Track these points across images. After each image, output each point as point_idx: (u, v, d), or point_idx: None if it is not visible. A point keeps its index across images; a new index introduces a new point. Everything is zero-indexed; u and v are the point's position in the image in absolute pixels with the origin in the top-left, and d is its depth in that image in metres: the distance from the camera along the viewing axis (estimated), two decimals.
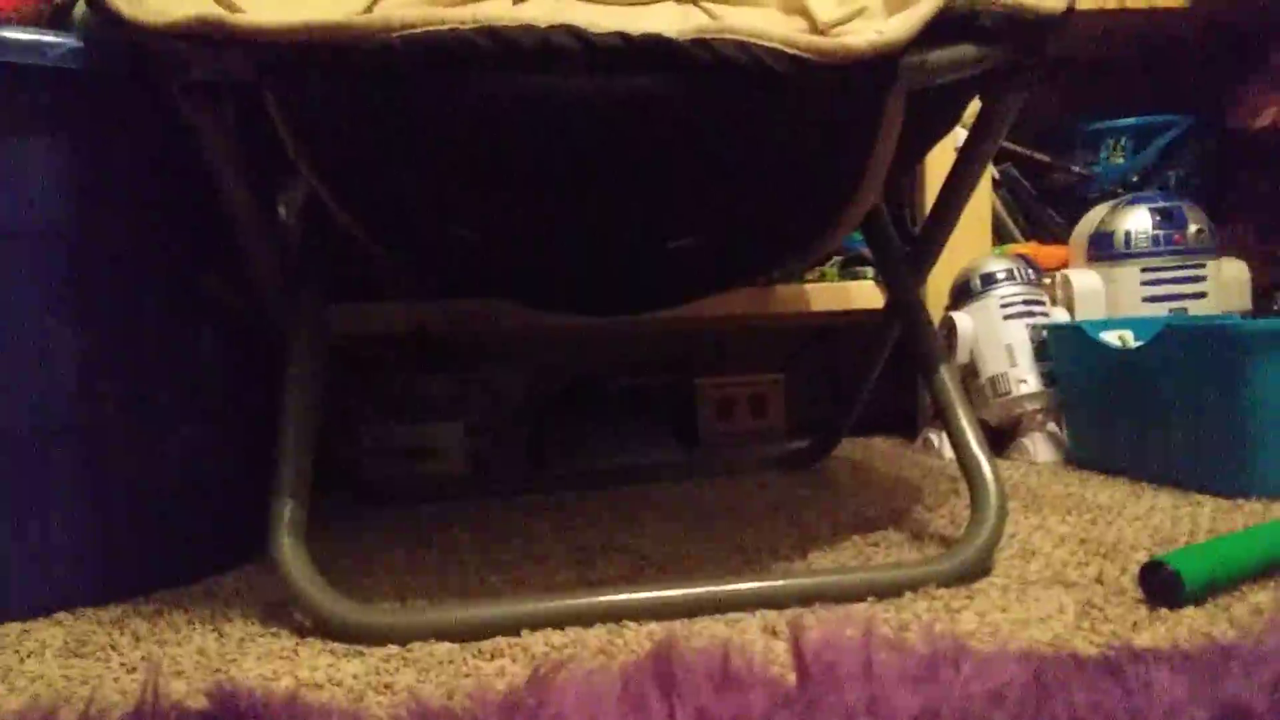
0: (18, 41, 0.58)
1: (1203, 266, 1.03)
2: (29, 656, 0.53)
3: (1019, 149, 1.26)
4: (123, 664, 0.52)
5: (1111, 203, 1.08)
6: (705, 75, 0.47)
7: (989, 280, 1.03)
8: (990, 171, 1.18)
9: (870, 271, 1.19)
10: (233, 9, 0.49)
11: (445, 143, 0.54)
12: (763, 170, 0.59)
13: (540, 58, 0.44)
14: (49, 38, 0.59)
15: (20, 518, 0.60)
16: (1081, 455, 0.94)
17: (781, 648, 0.47)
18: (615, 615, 0.54)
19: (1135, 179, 1.23)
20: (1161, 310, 1.02)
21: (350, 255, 0.80)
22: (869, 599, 0.56)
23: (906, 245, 0.83)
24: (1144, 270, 1.03)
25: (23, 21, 0.63)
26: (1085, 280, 1.05)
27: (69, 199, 0.61)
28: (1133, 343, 0.90)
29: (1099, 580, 0.57)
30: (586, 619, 0.54)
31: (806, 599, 0.55)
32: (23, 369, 0.60)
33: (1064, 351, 0.95)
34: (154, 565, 0.67)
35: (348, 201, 0.63)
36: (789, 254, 0.78)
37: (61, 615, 0.61)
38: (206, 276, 0.71)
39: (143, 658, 0.52)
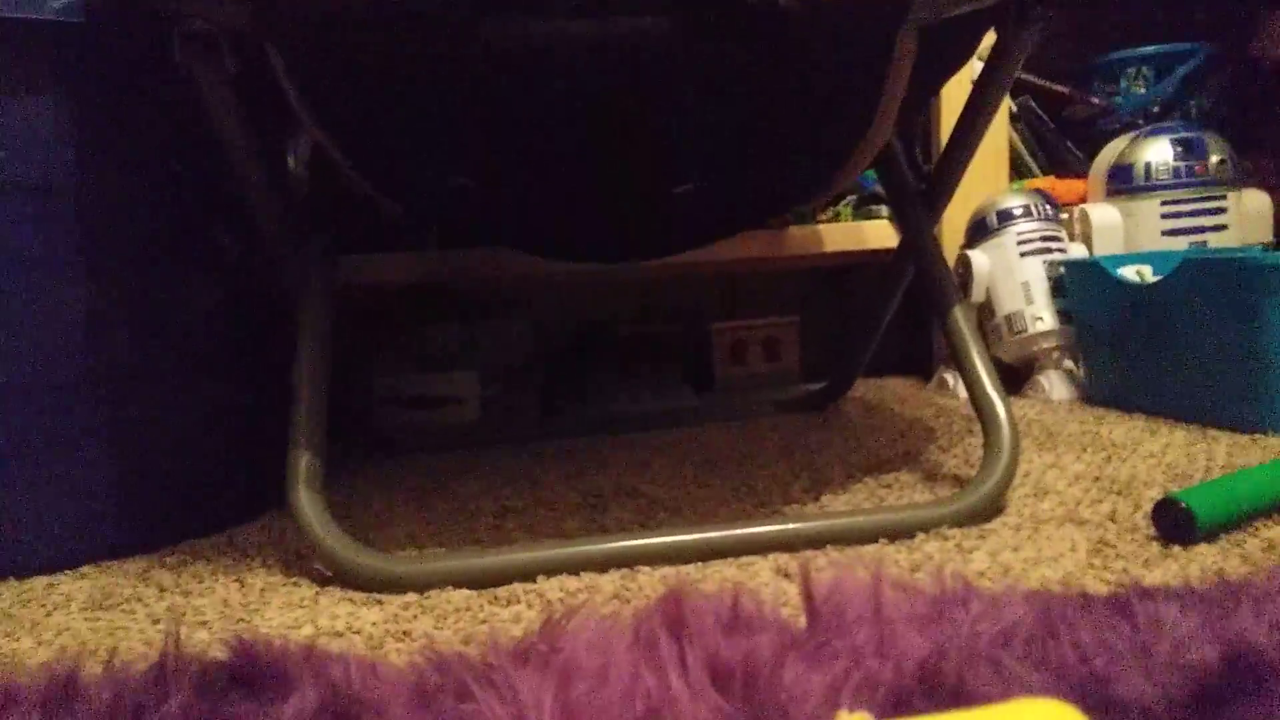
0: None
1: (1224, 198, 1.01)
2: (55, 610, 0.54)
3: (1037, 81, 1.23)
4: (148, 615, 0.53)
5: (1131, 134, 1.06)
6: (710, 14, 0.46)
7: (1005, 217, 1.02)
8: (1007, 105, 1.16)
9: (885, 210, 1.17)
10: None
11: (446, 90, 0.53)
12: (771, 111, 0.58)
13: (539, 3, 0.43)
14: None
15: (39, 472, 0.61)
16: (1098, 393, 0.94)
17: (793, 590, 0.48)
18: (628, 560, 0.54)
19: (1156, 109, 1.20)
20: (1182, 244, 1.01)
21: (359, 206, 0.80)
22: (881, 540, 0.56)
23: (921, 182, 0.81)
24: (1164, 203, 1.01)
25: None
26: (1103, 215, 1.03)
27: (73, 152, 0.61)
28: (1151, 278, 0.89)
29: (1112, 518, 0.57)
30: (600, 564, 0.55)
31: (819, 542, 0.56)
32: (32, 323, 0.61)
33: (1081, 288, 0.94)
34: (176, 517, 0.68)
35: (350, 151, 0.63)
36: (800, 195, 0.77)
37: (86, 569, 0.62)
38: (215, 229, 0.71)
39: (167, 609, 0.53)
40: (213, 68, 0.54)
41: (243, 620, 0.51)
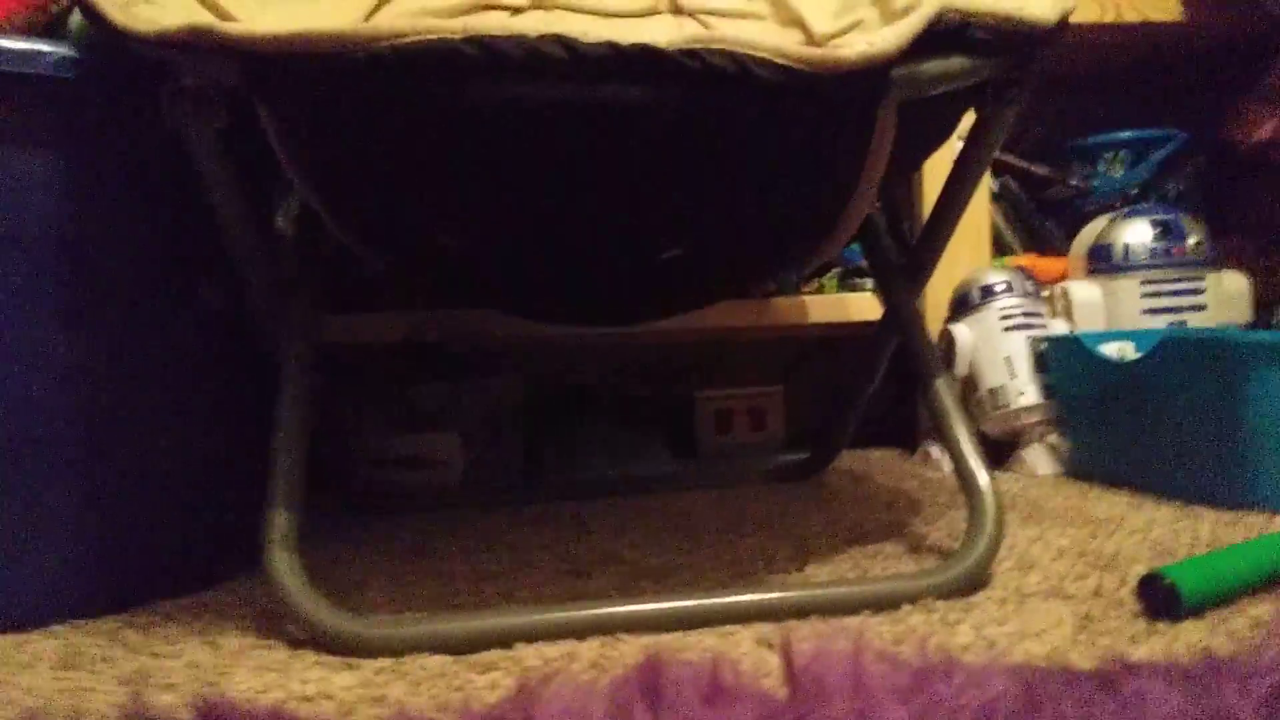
0: (12, 50, 0.58)
1: (1202, 279, 1.02)
2: (23, 669, 0.53)
3: (1017, 162, 1.26)
4: (114, 676, 0.51)
5: (1110, 215, 1.08)
6: (694, 85, 0.47)
7: (988, 292, 1.03)
8: (989, 184, 1.18)
9: (869, 283, 1.19)
10: (226, 17, 0.49)
11: (434, 152, 0.54)
12: (754, 181, 0.59)
13: (528, 67, 0.44)
14: (43, 46, 0.59)
15: (13, 527, 0.60)
16: (1082, 467, 0.94)
17: (774, 660, 0.47)
18: (609, 628, 0.54)
19: (1133, 192, 1.23)
20: (1161, 323, 1.02)
21: (345, 264, 0.81)
22: (865, 612, 0.55)
23: (904, 257, 0.83)
24: (1143, 282, 1.02)
25: (17, 29, 0.63)
26: (1084, 292, 1.05)
27: (64, 206, 0.61)
28: (1132, 354, 0.90)
29: (1097, 593, 0.56)
30: (580, 631, 0.54)
31: (801, 611, 0.55)
32: (15, 376, 0.60)
33: (1063, 363, 0.94)
34: (150, 576, 0.66)
35: (337, 209, 0.63)
36: (783, 265, 0.78)
37: (56, 627, 0.61)
38: (203, 286, 0.71)
39: (135, 670, 0.52)
40: (201, 125, 0.55)
41: (211, 683, 0.49)
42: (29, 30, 0.64)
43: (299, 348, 0.66)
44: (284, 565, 0.56)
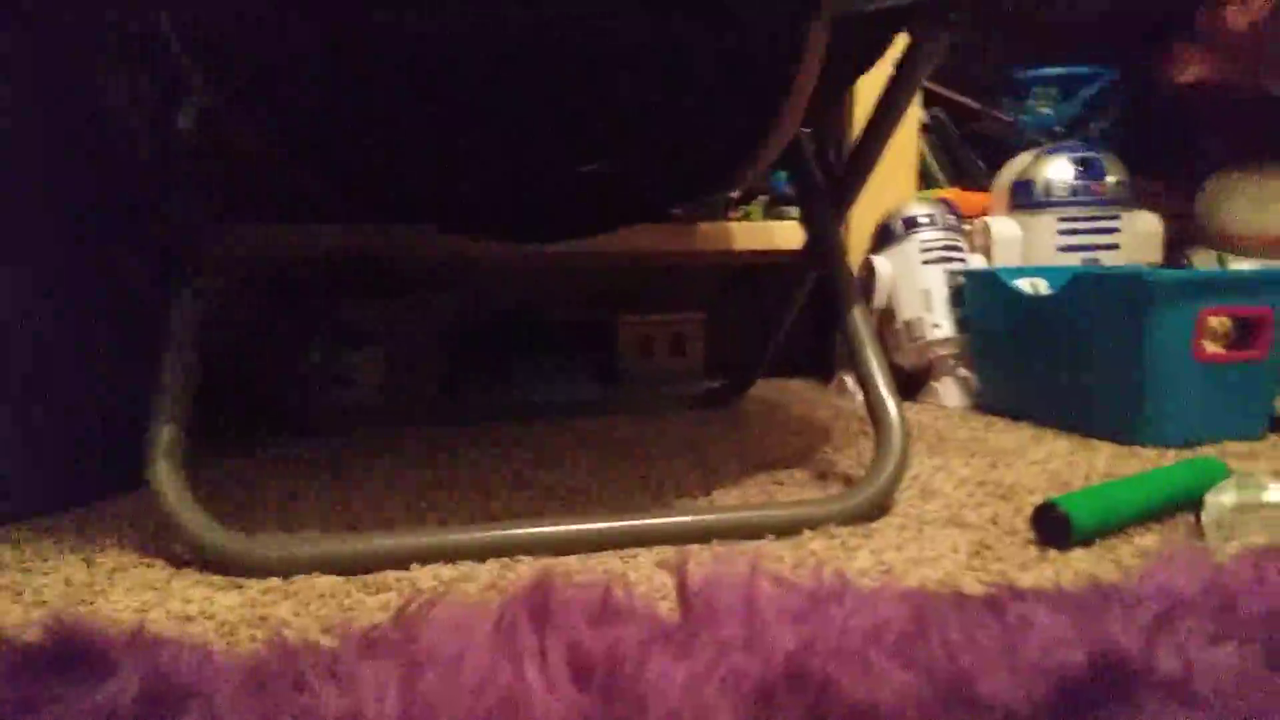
0: None
1: (1117, 218, 1.04)
2: None
3: (948, 94, 1.25)
4: None
5: (1035, 151, 1.09)
6: None
7: (910, 224, 1.03)
8: (919, 115, 1.17)
9: (795, 212, 1.18)
10: None
11: (342, 56, 0.50)
12: (678, 94, 0.57)
13: None
14: None
15: None
16: (990, 401, 0.95)
17: (672, 584, 0.46)
18: (509, 550, 0.52)
19: (1060, 129, 1.23)
20: (1076, 260, 1.03)
21: (272, 176, 0.76)
22: (768, 537, 0.55)
23: (830, 184, 0.81)
24: (1061, 220, 1.03)
25: None
26: (1004, 228, 1.06)
27: None
28: (1044, 290, 0.91)
29: (993, 521, 0.57)
30: (479, 553, 0.52)
31: (704, 536, 0.55)
32: None
33: (978, 297, 0.95)
34: (23, 490, 0.63)
35: (247, 119, 0.59)
36: (706, 184, 0.76)
37: None
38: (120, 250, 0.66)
39: (4, 587, 0.49)
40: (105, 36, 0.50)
41: (85, 602, 0.47)
42: None
43: (192, 253, 0.62)
44: (167, 478, 0.54)
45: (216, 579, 0.50)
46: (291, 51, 0.53)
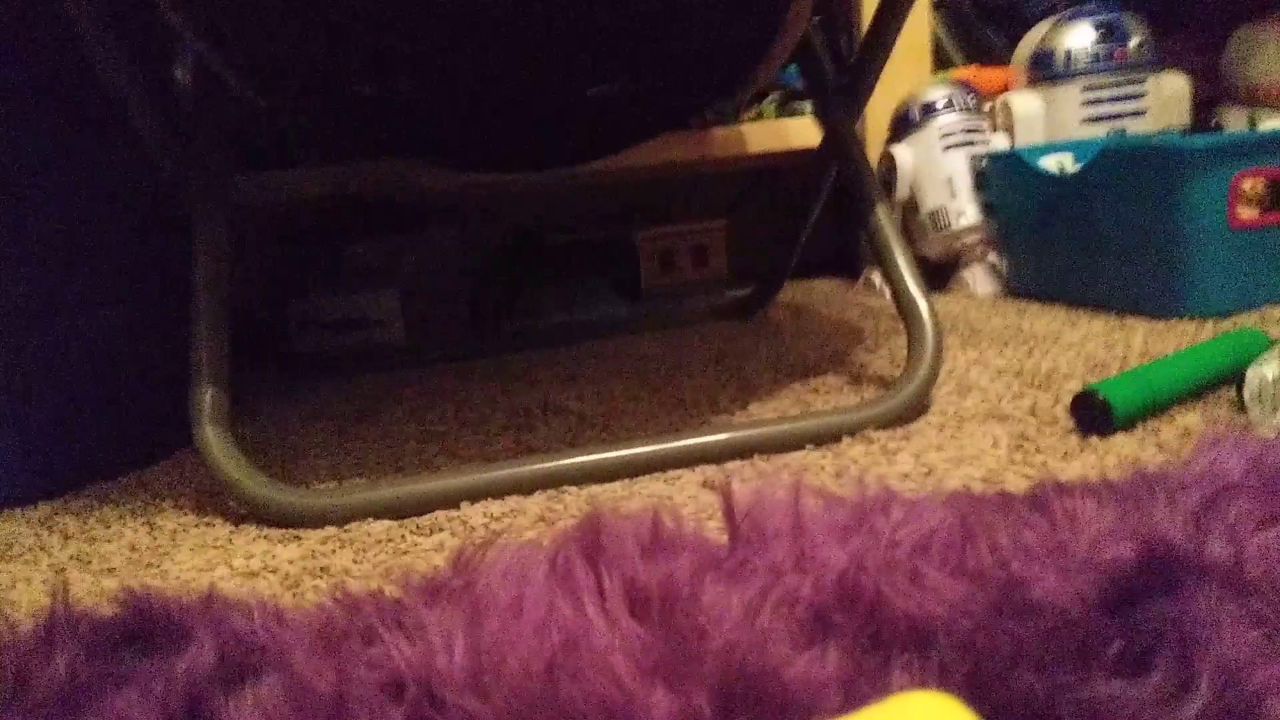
0: None
1: (1143, 82, 1.00)
2: None
3: None
4: (51, 565, 0.50)
5: (1054, 18, 1.05)
6: None
7: (928, 110, 1.00)
8: None
9: (809, 107, 1.15)
10: None
11: None
12: (679, 3, 0.55)
13: None
14: None
15: None
16: (1021, 286, 0.94)
17: (717, 504, 0.47)
18: (553, 481, 0.53)
19: None
20: (1102, 131, 1.00)
21: (265, 120, 0.76)
22: (807, 446, 0.56)
23: (843, 76, 0.79)
24: (1084, 89, 1.00)
25: None
26: (1025, 104, 1.02)
27: None
28: (1071, 167, 0.89)
29: (1033, 412, 0.57)
30: (525, 487, 0.53)
31: (744, 451, 0.55)
32: None
33: (1002, 181, 0.93)
34: (81, 459, 0.64)
35: (234, 62, 0.58)
36: (717, 92, 0.74)
37: None
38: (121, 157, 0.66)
39: (72, 557, 0.51)
40: None
41: (152, 565, 0.49)
42: None
43: (210, 208, 0.62)
44: (216, 440, 0.55)
45: (274, 533, 0.52)
46: None
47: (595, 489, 0.53)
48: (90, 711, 0.29)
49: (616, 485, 0.53)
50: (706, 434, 0.55)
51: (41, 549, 0.53)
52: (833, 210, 1.11)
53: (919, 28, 1.09)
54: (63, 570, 0.49)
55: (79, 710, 0.30)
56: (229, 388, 0.58)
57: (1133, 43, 1.00)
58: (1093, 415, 0.52)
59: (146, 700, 0.29)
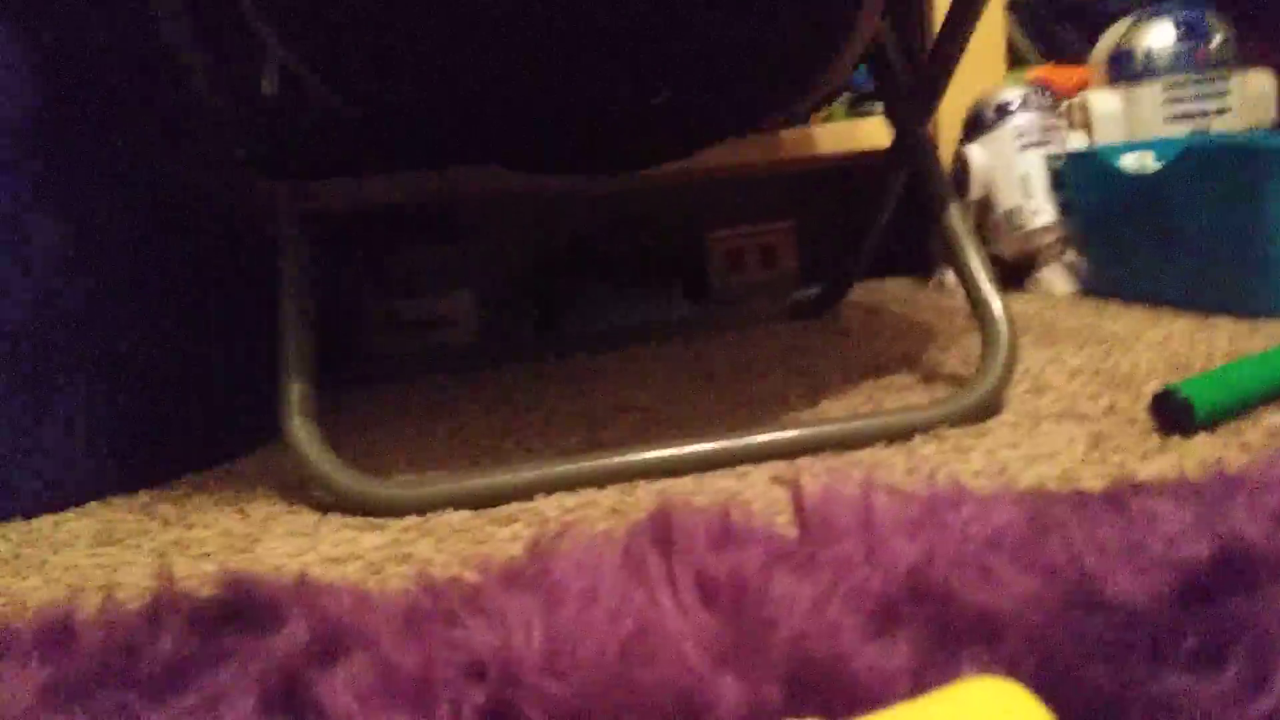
0: None
1: (1227, 80, 0.97)
2: (62, 548, 0.55)
3: None
4: (152, 549, 0.53)
5: (1133, 17, 1.02)
6: None
7: (1002, 110, 0.99)
8: None
9: (880, 108, 1.14)
10: None
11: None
12: (747, 10, 0.56)
13: None
14: None
15: (31, 411, 0.61)
16: (1099, 285, 0.93)
17: (787, 499, 0.47)
18: (625, 476, 0.55)
19: None
20: (1184, 130, 0.98)
21: (335, 130, 0.78)
22: (878, 444, 0.56)
23: (914, 77, 0.79)
24: (1166, 88, 0.98)
25: None
26: (1104, 103, 1.00)
27: (39, 91, 0.59)
28: (1153, 166, 0.87)
29: (1110, 411, 0.56)
30: (598, 480, 0.55)
31: (815, 448, 0.55)
32: (5, 264, 0.60)
33: (1081, 179, 0.92)
34: (178, 449, 0.68)
35: (316, 65, 0.61)
36: (788, 97, 0.74)
37: (92, 505, 0.63)
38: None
39: (171, 542, 0.54)
40: None
41: (245, 550, 0.51)
42: None
43: (294, 212, 0.65)
44: (304, 434, 0.57)
45: (359, 521, 0.54)
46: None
47: (666, 483, 0.54)
48: (194, 685, 0.31)
49: (687, 480, 0.54)
50: (776, 430, 0.56)
51: (144, 534, 0.56)
52: (903, 207, 1.10)
53: (993, 26, 1.07)
54: (164, 554, 0.52)
55: (184, 684, 0.31)
56: (316, 383, 0.60)
57: (1215, 41, 0.97)
58: (1173, 415, 0.51)
59: (245, 676, 0.31)
